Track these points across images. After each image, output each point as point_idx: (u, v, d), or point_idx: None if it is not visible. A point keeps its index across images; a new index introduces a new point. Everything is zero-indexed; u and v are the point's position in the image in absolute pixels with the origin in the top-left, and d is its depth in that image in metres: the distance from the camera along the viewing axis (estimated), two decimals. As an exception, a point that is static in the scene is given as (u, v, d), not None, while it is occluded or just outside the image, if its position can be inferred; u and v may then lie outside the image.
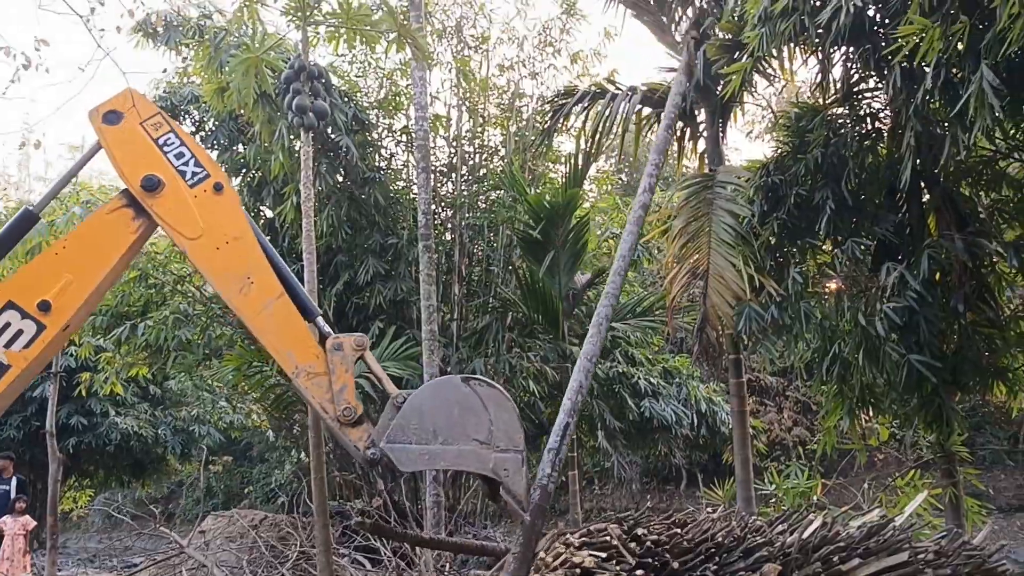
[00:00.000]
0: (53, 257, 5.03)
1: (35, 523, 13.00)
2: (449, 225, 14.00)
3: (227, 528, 10.86)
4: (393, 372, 10.37)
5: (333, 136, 12.16)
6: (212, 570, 8.58)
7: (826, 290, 9.77)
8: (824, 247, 9.86)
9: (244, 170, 13.09)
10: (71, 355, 16.86)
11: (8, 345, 4.70)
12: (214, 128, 13.43)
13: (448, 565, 8.66)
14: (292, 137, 11.25)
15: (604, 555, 5.17)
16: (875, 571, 5.65)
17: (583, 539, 5.51)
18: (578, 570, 5.11)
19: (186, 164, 5.09)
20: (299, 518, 10.21)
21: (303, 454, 16.58)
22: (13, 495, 13.20)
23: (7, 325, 4.72)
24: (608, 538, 5.34)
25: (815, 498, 10.78)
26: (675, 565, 5.37)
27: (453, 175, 14.12)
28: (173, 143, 5.13)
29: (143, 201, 4.99)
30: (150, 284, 13.26)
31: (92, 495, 26.59)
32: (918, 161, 7.86)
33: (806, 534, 5.87)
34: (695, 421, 15.91)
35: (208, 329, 12.83)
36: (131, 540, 23.31)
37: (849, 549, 5.72)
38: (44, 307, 4.76)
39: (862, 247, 8.49)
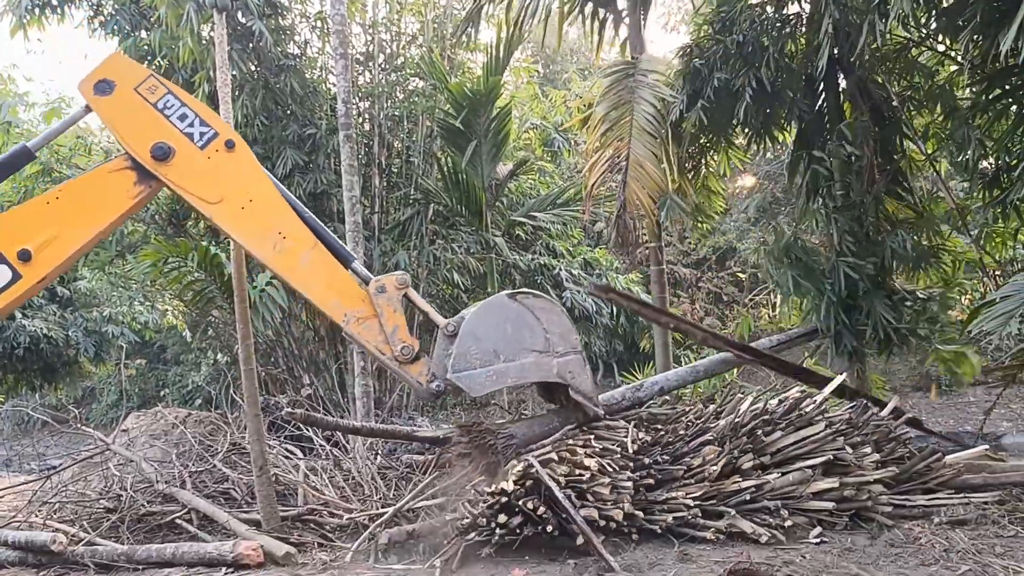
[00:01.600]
0: (43, 206, 4.76)
1: (-53, 427, 12.69)
2: (367, 116, 13.68)
3: (151, 425, 10.71)
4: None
5: (245, 21, 11.61)
6: (140, 465, 8.50)
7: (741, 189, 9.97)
8: (740, 141, 10.05)
9: (150, 58, 12.44)
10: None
11: None
12: (114, 12, 12.68)
13: (378, 452, 8.82)
14: (200, 21, 10.73)
15: (607, 460, 5.44)
16: (793, 441, 6.03)
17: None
18: (579, 471, 5.36)
19: (192, 125, 4.85)
20: (226, 415, 10.17)
21: (219, 355, 16.39)
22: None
23: None
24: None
25: (730, 379, 11.25)
26: (646, 460, 5.70)
27: (370, 64, 13.73)
28: (173, 105, 4.88)
29: (156, 171, 4.76)
30: (54, 179, 12.65)
31: (1, 401, 25.88)
32: (835, 49, 8.02)
33: (740, 411, 6.21)
34: (614, 311, 16.29)
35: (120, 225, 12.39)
36: (45, 445, 22.92)
37: (773, 423, 6.09)
38: (24, 256, 4.55)
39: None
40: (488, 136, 11.39)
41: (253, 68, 12.34)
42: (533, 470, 5.37)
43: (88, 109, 4.98)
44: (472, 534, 5.45)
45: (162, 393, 27.51)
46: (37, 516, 8.08)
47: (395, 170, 13.84)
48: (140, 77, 4.97)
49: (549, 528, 5.24)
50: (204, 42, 11.15)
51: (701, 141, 9.62)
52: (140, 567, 6.29)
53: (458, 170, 11.68)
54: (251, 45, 12.03)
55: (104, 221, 4.79)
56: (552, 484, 5.27)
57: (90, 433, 10.45)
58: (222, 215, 4.90)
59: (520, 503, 5.35)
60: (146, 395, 28.60)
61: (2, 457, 21.62)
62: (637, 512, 5.37)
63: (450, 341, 4.75)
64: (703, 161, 9.97)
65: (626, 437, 5.82)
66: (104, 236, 5.19)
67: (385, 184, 13.56)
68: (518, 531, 5.38)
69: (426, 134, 13.46)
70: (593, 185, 9.70)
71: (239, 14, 11.50)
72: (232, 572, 5.96)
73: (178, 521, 7.31)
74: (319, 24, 13.42)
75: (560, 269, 15.06)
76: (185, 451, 8.97)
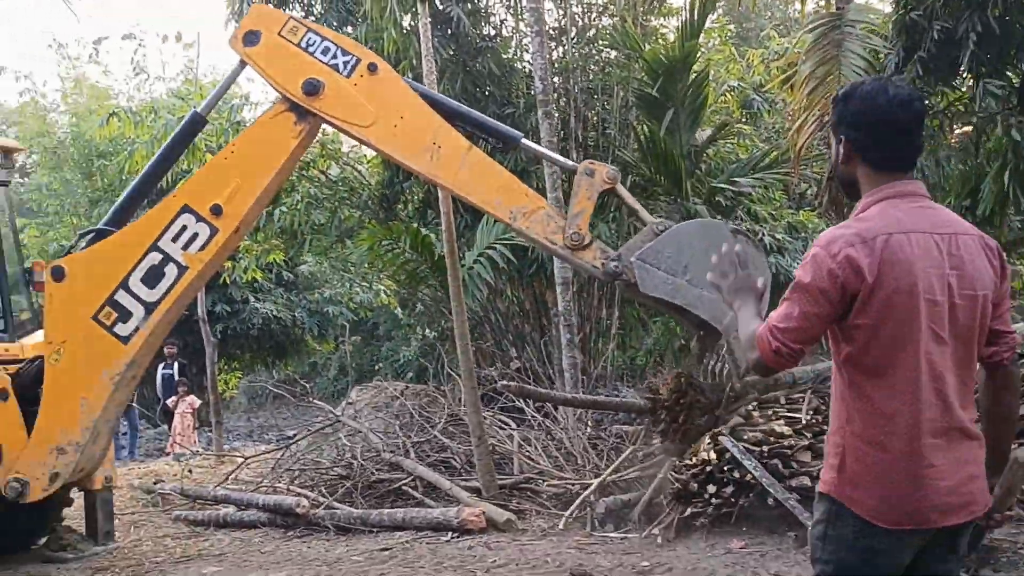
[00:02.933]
0: (222, 162, 5.25)
1: (200, 402, 14.09)
2: (562, 91, 13.77)
3: (373, 398, 11.40)
4: (519, 242, 10.53)
5: (442, 7, 12.00)
6: (368, 435, 9.09)
7: (961, 135, 9.30)
8: (963, 89, 9.34)
9: (357, 52, 13.12)
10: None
11: (186, 247, 5.00)
12: (323, 11, 13.43)
13: (587, 423, 8.94)
14: (402, 12, 11.19)
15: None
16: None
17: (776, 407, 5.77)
18: (772, 437, 5.32)
19: (335, 57, 5.11)
20: (441, 387, 10.67)
21: (428, 330, 17.10)
22: (176, 378, 14.31)
23: (183, 228, 5.01)
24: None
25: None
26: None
27: (563, 38, 13.79)
28: (315, 41, 5.15)
29: (310, 106, 5.05)
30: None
31: (240, 377, 28.29)
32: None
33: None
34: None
35: (337, 212, 13.19)
36: (277, 417, 24.90)
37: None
38: (216, 211, 5.00)
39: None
40: (685, 103, 11.18)
41: (451, 53, 12.71)
42: (727, 440, 5.32)
43: (243, 64, 5.30)
44: (688, 507, 5.47)
45: (376, 367, 29.11)
46: (280, 482, 8.86)
47: (591, 143, 13.85)
48: (281, 21, 5.21)
49: (769, 500, 5.16)
50: (405, 31, 11.61)
51: (924, 92, 8.95)
52: (374, 529, 6.77)
53: (656, 139, 11.54)
54: (449, 31, 12.40)
55: (277, 164, 5.12)
56: (741, 456, 5.17)
57: (320, 406, 11.28)
58: (378, 136, 5.05)
59: (726, 471, 5.30)
60: (362, 369, 30.35)
61: (244, 428, 23.73)
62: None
63: (651, 238, 4.57)
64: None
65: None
66: (282, 179, 5.53)
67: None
68: (732, 500, 5.34)
69: (621, 105, 13.37)
70: (801, 147, 9.33)
71: (437, 1, 11.89)
72: (457, 536, 6.29)
73: (404, 488, 7.78)
74: (512, 2, 13.61)
75: (764, 234, 14.57)
76: (406, 422, 9.48)
